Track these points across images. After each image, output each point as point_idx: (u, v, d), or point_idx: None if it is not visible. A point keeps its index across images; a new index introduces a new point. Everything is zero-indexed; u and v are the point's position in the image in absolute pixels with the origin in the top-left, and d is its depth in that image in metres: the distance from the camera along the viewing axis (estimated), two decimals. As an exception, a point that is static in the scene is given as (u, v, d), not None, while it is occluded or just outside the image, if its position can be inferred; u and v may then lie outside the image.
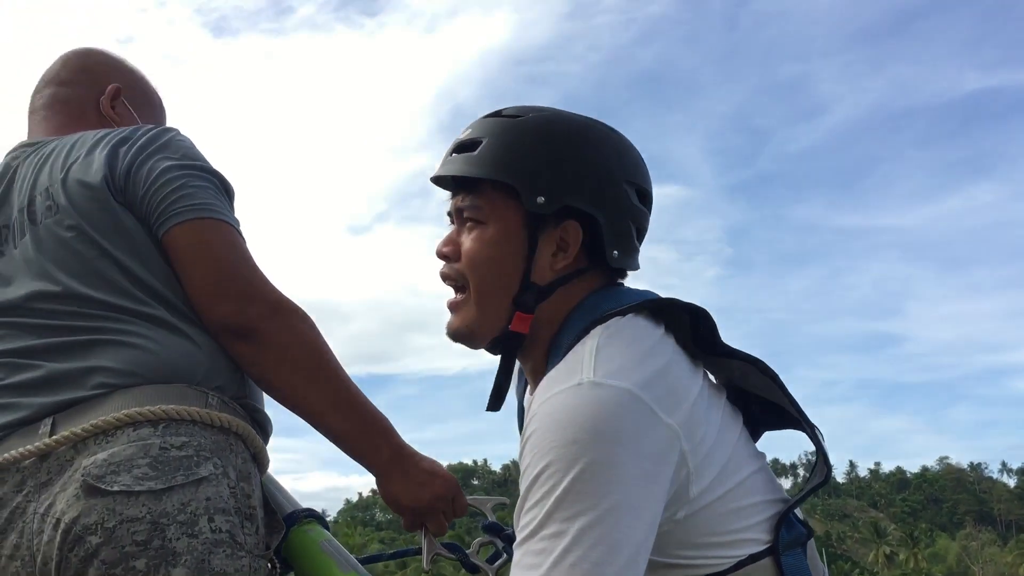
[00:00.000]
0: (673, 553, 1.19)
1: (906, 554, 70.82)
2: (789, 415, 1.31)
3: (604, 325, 1.23)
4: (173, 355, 1.39)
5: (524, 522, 1.11)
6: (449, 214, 1.38)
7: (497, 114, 1.35)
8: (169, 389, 1.36)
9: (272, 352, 1.41)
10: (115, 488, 1.25)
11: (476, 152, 1.30)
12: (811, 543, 1.29)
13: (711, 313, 1.28)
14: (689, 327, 1.29)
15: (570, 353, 1.22)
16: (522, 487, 1.14)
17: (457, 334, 1.34)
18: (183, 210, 1.43)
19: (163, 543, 1.25)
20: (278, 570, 1.50)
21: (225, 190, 1.53)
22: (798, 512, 1.28)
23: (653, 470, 1.11)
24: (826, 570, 1.32)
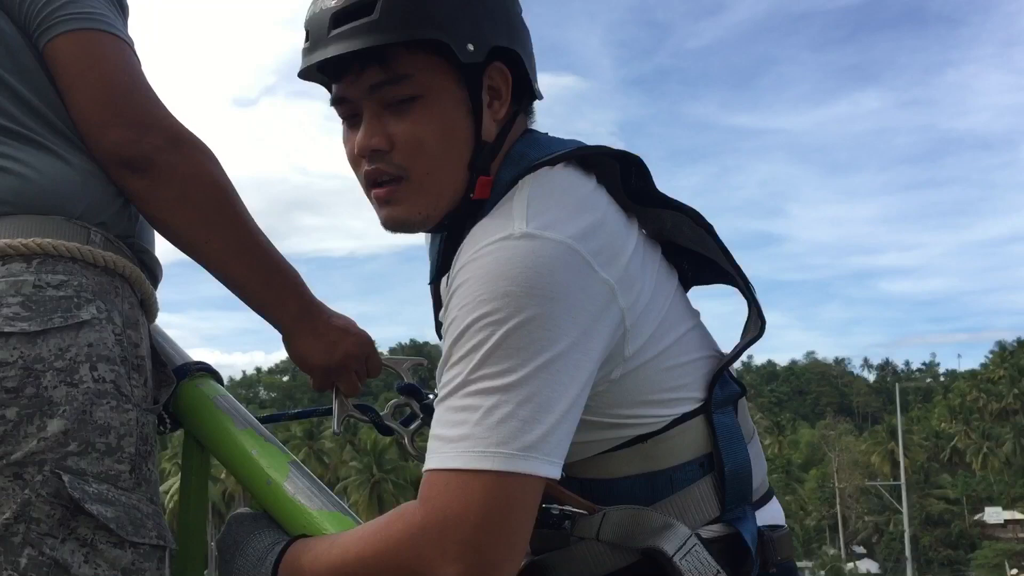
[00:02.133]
0: (608, 412, 1.15)
1: (771, 440, 75.43)
2: (719, 270, 1.28)
3: (534, 175, 1.15)
4: (51, 184, 1.23)
5: (447, 378, 1.05)
6: (346, 109, 1.19)
7: None
8: (45, 221, 1.21)
9: (169, 188, 1.26)
10: None
11: (376, 16, 1.12)
12: (742, 401, 1.27)
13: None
14: (620, 177, 1.22)
15: (500, 205, 1.14)
16: (445, 343, 1.08)
17: (407, 224, 1.20)
18: (69, 18, 1.25)
19: (37, 391, 1.13)
20: (168, 426, 1.39)
21: (119, 2, 1.35)
22: (731, 370, 1.26)
23: (588, 327, 1.06)
24: (756, 431, 1.30)
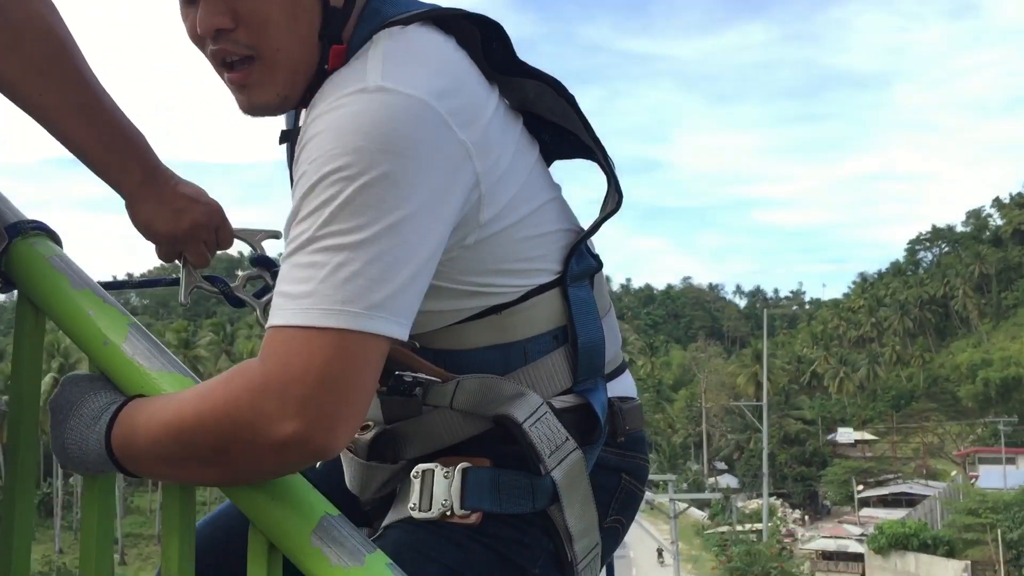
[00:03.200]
0: (461, 279, 1.13)
1: (644, 361, 77.93)
2: (580, 144, 1.26)
3: (388, 31, 1.09)
4: None
5: (295, 233, 1.00)
6: None
7: None
8: None
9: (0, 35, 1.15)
10: None
11: None
12: (599, 276, 1.26)
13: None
14: (480, 44, 1.17)
15: (354, 59, 1.08)
16: (294, 197, 1.02)
17: (267, 107, 1.13)
18: None
19: None
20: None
21: None
22: (591, 245, 1.25)
23: (443, 188, 1.02)
24: (612, 306, 1.30)
